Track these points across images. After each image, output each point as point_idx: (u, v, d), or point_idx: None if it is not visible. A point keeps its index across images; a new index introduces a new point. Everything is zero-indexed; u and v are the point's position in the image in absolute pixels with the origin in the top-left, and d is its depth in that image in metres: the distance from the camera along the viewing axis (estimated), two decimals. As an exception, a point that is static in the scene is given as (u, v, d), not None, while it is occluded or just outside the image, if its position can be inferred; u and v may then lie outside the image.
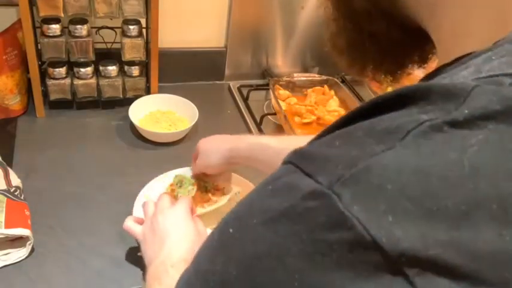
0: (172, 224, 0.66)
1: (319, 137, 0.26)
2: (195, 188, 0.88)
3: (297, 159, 0.24)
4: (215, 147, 0.82)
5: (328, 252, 0.20)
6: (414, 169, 0.21)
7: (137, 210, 0.80)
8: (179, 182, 0.89)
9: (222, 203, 0.84)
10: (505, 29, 0.28)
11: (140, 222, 0.73)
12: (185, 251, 0.61)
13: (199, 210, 0.82)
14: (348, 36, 0.41)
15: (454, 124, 0.22)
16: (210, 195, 0.87)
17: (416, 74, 0.43)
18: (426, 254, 0.19)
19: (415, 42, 0.38)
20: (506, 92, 0.22)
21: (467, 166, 0.20)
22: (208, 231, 0.76)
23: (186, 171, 0.92)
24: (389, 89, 1.22)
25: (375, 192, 0.20)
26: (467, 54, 0.27)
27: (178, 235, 0.64)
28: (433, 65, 0.36)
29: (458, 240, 0.19)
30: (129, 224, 0.72)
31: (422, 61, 0.42)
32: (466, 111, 0.22)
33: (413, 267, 0.20)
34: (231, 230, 0.25)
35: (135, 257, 0.78)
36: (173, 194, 0.86)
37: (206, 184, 0.89)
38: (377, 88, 1.23)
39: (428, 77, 0.29)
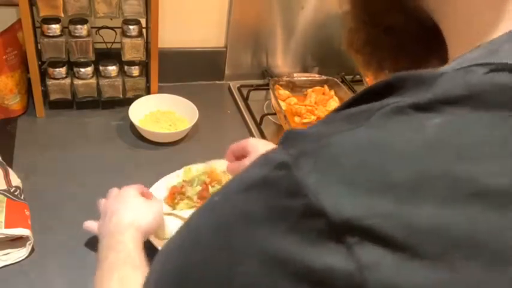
0: (119, 202, 0.71)
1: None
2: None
3: (282, 138, 0.26)
4: None
5: (285, 217, 0.22)
6: (372, 145, 0.22)
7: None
8: (191, 180, 0.90)
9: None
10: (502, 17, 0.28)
11: None
12: (132, 217, 0.67)
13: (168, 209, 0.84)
14: (365, 32, 0.41)
15: (417, 107, 0.22)
16: None
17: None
18: (366, 223, 0.20)
19: (432, 40, 0.38)
20: (473, 78, 0.23)
21: (421, 144, 0.21)
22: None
23: (199, 168, 0.93)
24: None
25: (332, 165, 0.22)
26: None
27: (125, 207, 0.69)
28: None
29: (399, 213, 0.20)
30: (88, 222, 0.77)
31: (442, 62, 0.41)
32: (430, 96, 0.23)
33: (354, 236, 0.20)
34: (216, 198, 0.26)
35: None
36: (182, 191, 0.87)
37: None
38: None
39: None
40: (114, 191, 0.77)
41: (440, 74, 0.23)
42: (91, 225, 0.76)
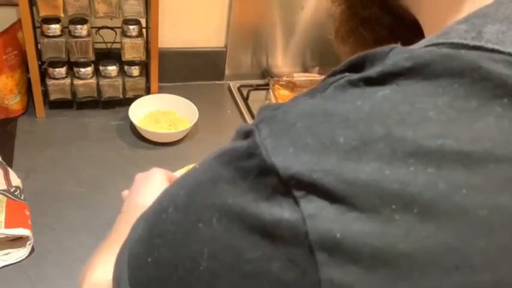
0: (146, 183, 0.71)
1: None
2: None
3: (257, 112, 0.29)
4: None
5: (245, 177, 0.24)
6: (323, 112, 0.24)
7: None
8: None
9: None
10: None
11: None
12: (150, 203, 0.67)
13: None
14: (347, 22, 0.42)
15: (368, 80, 0.24)
16: None
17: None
18: (310, 178, 0.22)
19: (409, 31, 0.38)
20: (418, 51, 0.24)
21: (367, 111, 0.23)
22: None
23: None
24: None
25: (286, 129, 0.24)
26: None
27: (150, 191, 0.69)
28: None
29: (341, 169, 0.22)
30: (126, 192, 0.75)
31: None
32: (380, 69, 0.24)
33: (300, 190, 0.22)
34: (197, 166, 0.28)
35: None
36: None
37: None
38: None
39: None
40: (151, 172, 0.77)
41: (391, 49, 0.25)
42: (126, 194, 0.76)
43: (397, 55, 0.24)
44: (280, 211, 0.22)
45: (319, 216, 0.22)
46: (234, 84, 1.30)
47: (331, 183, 0.22)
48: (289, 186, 0.22)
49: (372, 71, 0.24)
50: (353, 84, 0.25)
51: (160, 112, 1.13)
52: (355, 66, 0.26)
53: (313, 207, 0.22)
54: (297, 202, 0.22)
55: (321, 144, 0.23)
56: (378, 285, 0.21)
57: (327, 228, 0.21)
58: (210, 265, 0.24)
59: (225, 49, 1.29)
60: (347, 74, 0.25)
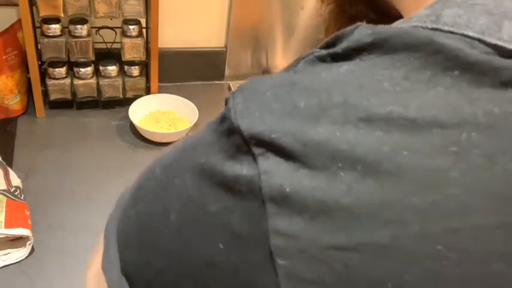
0: None
1: None
2: None
3: None
4: None
5: (219, 138, 0.26)
6: (291, 83, 0.26)
7: None
8: None
9: None
10: None
11: None
12: None
13: None
14: (336, 21, 0.44)
15: (334, 56, 0.27)
16: None
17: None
18: (268, 137, 0.24)
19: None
20: (380, 28, 0.26)
21: (329, 82, 0.25)
22: None
23: None
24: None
25: (256, 96, 0.26)
26: None
27: None
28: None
29: (298, 131, 0.24)
30: None
31: None
32: (345, 45, 0.26)
33: (259, 148, 0.24)
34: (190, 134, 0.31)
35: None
36: None
37: None
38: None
39: None
40: None
41: (356, 27, 0.27)
42: None
43: (361, 32, 0.26)
44: (240, 168, 0.24)
45: (272, 172, 0.23)
46: (234, 84, 1.30)
47: (288, 142, 0.23)
48: (250, 145, 0.24)
49: (338, 47, 0.27)
50: (321, 59, 0.27)
51: (160, 112, 1.13)
52: (328, 46, 0.28)
53: (268, 164, 0.24)
54: (255, 159, 0.24)
55: (284, 109, 0.25)
56: (318, 235, 0.22)
57: (278, 183, 0.23)
58: (179, 216, 0.26)
59: (225, 49, 1.29)
60: (316, 50, 0.28)
